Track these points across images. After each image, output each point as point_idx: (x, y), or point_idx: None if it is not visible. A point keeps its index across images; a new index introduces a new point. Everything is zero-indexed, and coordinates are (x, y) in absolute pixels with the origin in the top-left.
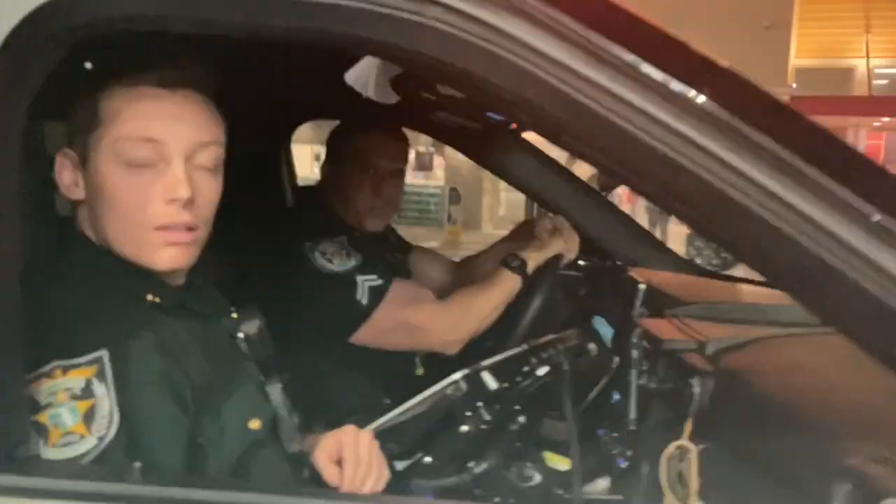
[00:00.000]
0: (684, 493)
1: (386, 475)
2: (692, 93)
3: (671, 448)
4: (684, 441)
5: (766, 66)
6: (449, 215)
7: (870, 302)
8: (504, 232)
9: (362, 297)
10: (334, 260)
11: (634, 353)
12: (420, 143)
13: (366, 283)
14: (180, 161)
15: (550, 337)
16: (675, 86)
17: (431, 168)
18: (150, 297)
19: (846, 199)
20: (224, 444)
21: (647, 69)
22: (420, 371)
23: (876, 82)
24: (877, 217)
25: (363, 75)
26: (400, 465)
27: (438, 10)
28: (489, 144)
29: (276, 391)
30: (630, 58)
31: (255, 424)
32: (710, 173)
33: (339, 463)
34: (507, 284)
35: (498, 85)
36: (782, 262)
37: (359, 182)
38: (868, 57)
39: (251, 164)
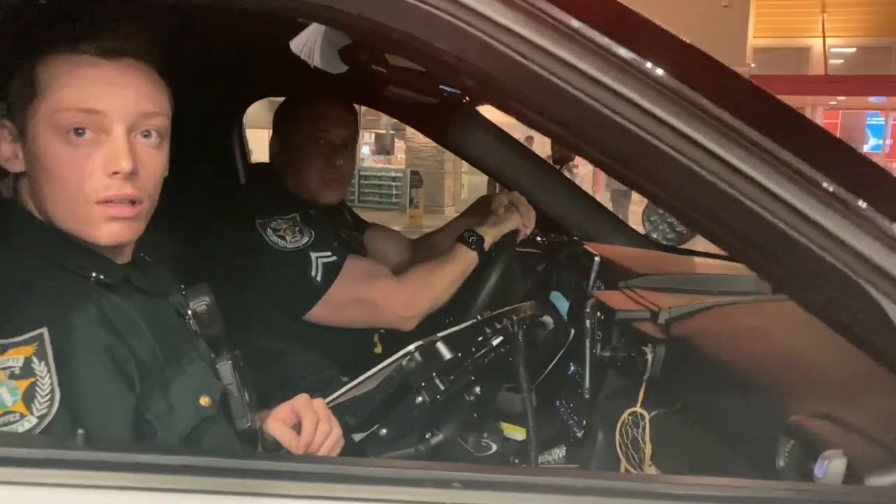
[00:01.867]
0: (639, 458)
1: (341, 441)
2: (646, 63)
3: (625, 415)
4: (637, 408)
5: (724, 44)
6: (411, 199)
7: (819, 266)
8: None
9: (316, 273)
10: (287, 236)
11: (588, 324)
12: (381, 126)
13: (320, 259)
14: (122, 132)
15: (505, 309)
16: (625, 53)
17: (392, 151)
18: (94, 273)
19: (801, 169)
20: (173, 421)
21: (592, 33)
22: (378, 349)
23: (832, 62)
24: (830, 187)
25: (308, 45)
26: (357, 437)
27: None
28: (444, 120)
29: (226, 368)
30: (576, 23)
31: (205, 401)
32: (661, 141)
33: (295, 428)
34: (464, 259)
35: (442, 49)
36: (738, 232)
37: (309, 155)
38: (824, 37)
39: (202, 141)
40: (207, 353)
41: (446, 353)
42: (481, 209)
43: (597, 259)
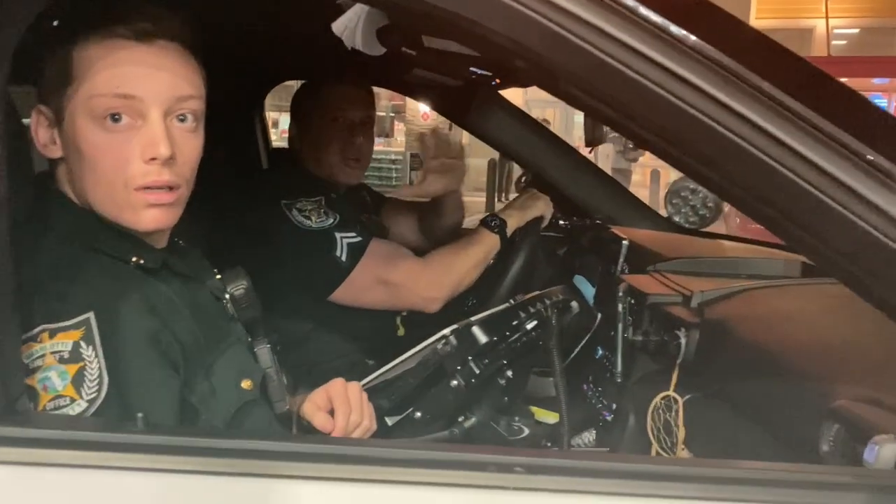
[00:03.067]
0: (671, 443)
1: (374, 425)
2: (688, 35)
3: (658, 399)
4: (671, 392)
5: None
6: (411, 181)
7: (860, 237)
8: (467, 198)
9: (342, 254)
10: (312, 217)
11: (620, 308)
12: (379, 109)
13: (345, 240)
14: (158, 116)
15: (536, 293)
16: (673, 29)
17: (392, 134)
18: (134, 258)
19: (839, 138)
20: (216, 405)
21: (646, 12)
22: (401, 332)
23: (834, 42)
24: (870, 156)
25: (350, 27)
26: (390, 421)
27: None
28: (467, 102)
29: (264, 352)
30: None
31: (246, 384)
32: (705, 115)
33: (330, 413)
34: (487, 243)
35: (492, 30)
36: (777, 204)
37: (328, 135)
38: (827, 17)
39: (226, 126)
40: (244, 336)
41: (482, 337)
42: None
43: (625, 243)
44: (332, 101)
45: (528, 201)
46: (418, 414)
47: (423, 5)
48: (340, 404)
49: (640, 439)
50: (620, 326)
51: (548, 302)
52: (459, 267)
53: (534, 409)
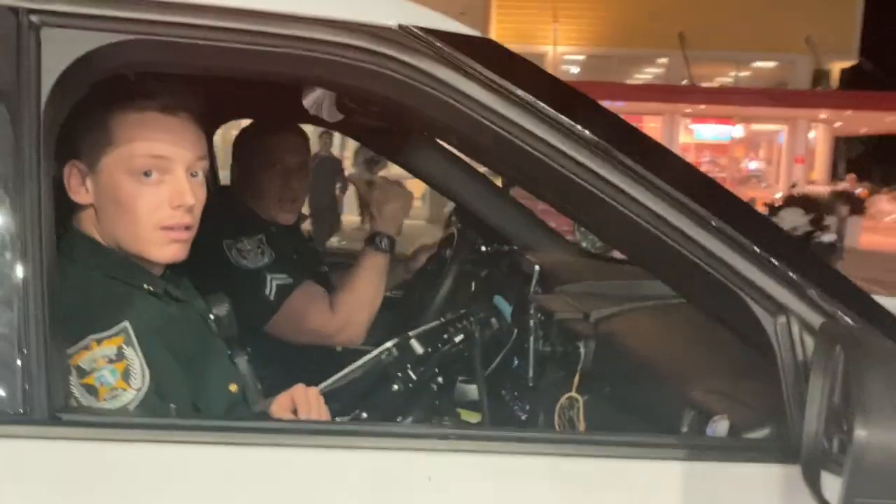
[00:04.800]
0: None
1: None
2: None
3: (563, 399)
4: (573, 393)
5: None
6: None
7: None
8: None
9: (270, 293)
10: (249, 257)
11: (531, 324)
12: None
13: (275, 280)
14: (183, 173)
15: (463, 311)
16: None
17: None
18: (144, 285)
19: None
20: (212, 404)
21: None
22: (340, 348)
23: (568, 68)
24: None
25: (318, 103)
26: (340, 420)
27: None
28: (398, 140)
29: (242, 363)
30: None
31: (233, 388)
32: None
33: (294, 413)
34: (380, 264)
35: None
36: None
37: (267, 179)
38: (555, 45)
39: None
40: (225, 350)
41: (419, 349)
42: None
43: (536, 268)
44: (271, 147)
45: (386, 202)
46: (364, 414)
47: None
48: (302, 405)
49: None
50: (532, 339)
51: (472, 319)
52: (364, 301)
53: (461, 410)
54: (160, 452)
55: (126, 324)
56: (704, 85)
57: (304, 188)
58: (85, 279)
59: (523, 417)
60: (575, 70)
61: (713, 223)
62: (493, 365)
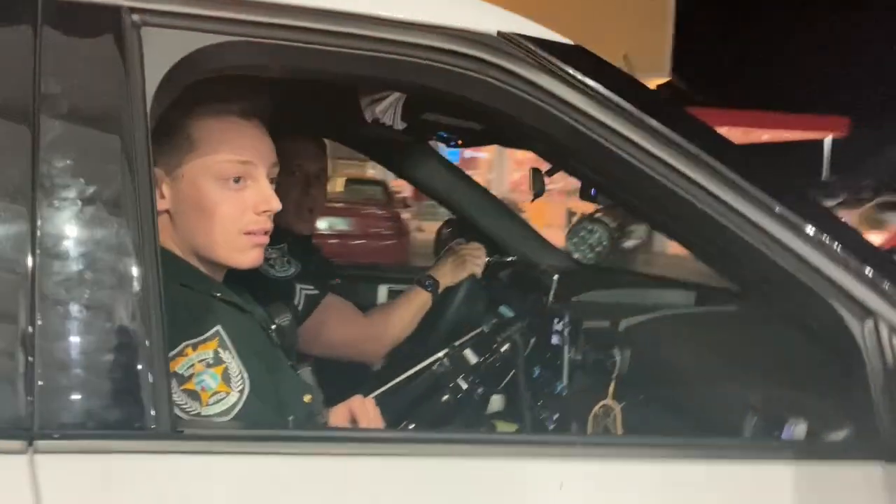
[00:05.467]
0: None
1: None
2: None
3: (597, 408)
4: (609, 401)
5: None
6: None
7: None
8: None
9: (299, 303)
10: (276, 266)
11: (564, 333)
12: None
13: (303, 290)
14: (265, 178)
15: (503, 320)
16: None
17: None
18: (218, 294)
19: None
20: (294, 415)
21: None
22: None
23: None
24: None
25: (391, 111)
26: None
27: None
28: (403, 154)
29: (307, 373)
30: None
31: (308, 398)
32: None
33: (353, 423)
34: (420, 302)
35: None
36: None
37: (285, 187)
38: None
39: None
40: (286, 360)
41: (472, 358)
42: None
43: (556, 277)
44: (290, 154)
45: (459, 262)
46: (412, 426)
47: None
48: (361, 416)
49: None
50: (566, 349)
51: (514, 328)
52: (397, 325)
53: (497, 421)
54: (281, 464)
55: (219, 327)
56: None
57: (322, 197)
58: (175, 290)
59: (551, 428)
60: None
61: (807, 230)
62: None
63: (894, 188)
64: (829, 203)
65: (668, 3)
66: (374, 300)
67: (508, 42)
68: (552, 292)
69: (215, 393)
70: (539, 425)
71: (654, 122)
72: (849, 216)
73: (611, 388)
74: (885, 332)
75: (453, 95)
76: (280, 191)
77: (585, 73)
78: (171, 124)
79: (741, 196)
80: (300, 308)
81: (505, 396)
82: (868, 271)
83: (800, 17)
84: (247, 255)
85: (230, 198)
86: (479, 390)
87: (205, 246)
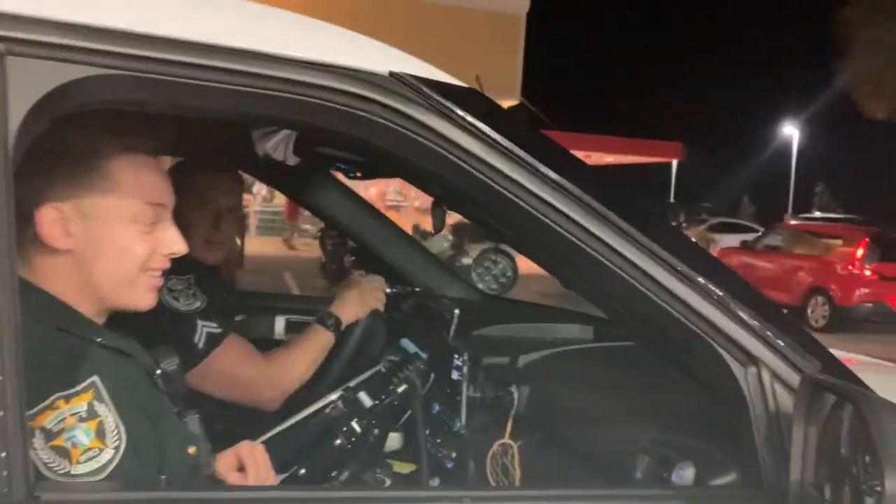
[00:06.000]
0: (509, 482)
1: (276, 481)
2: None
3: (496, 446)
4: (506, 439)
5: None
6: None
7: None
8: None
9: (199, 340)
10: (181, 299)
11: (463, 370)
12: None
13: (205, 328)
14: (171, 219)
15: (400, 359)
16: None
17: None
18: (98, 339)
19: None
20: (171, 469)
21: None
22: None
23: None
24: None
25: (281, 146)
26: (279, 478)
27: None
28: (300, 182)
29: (194, 421)
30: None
31: (192, 451)
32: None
33: (241, 470)
34: (322, 341)
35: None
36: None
37: (197, 219)
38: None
39: None
40: (172, 408)
41: (367, 401)
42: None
43: (456, 311)
44: (204, 188)
45: (360, 297)
46: (302, 471)
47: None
48: (251, 465)
49: (482, 482)
50: (464, 385)
51: (411, 367)
52: (298, 368)
53: (392, 461)
54: None
55: (96, 378)
56: None
57: (234, 231)
58: (35, 333)
59: (449, 466)
60: None
61: (693, 276)
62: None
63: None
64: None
65: (518, 29)
66: (270, 331)
67: (400, 82)
68: (452, 327)
69: (88, 450)
70: (438, 465)
71: (543, 168)
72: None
73: (508, 427)
74: (767, 379)
75: (346, 134)
76: (192, 222)
77: (476, 116)
78: (83, 161)
79: (631, 243)
80: (200, 346)
81: (403, 435)
82: (752, 317)
83: (646, 48)
84: (146, 297)
85: (142, 240)
86: (375, 432)
87: (105, 287)
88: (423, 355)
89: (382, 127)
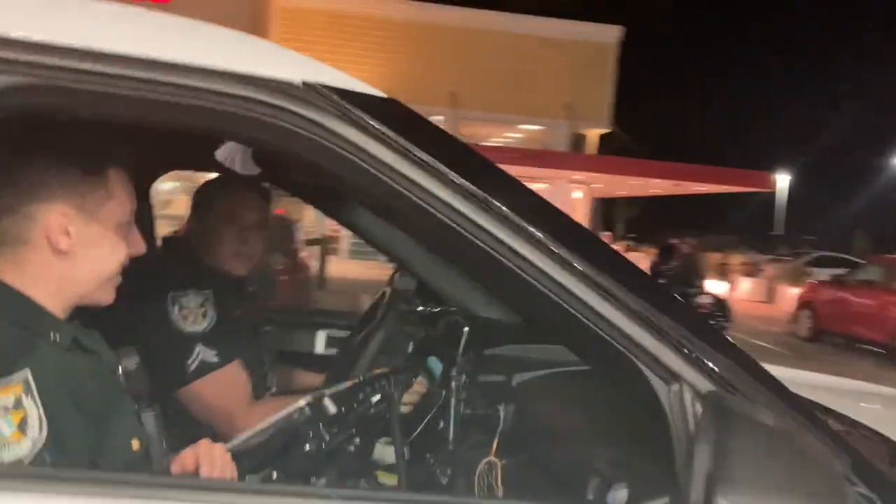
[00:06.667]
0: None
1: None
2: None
3: (482, 464)
4: (492, 457)
5: None
6: None
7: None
8: None
9: (192, 363)
10: (188, 318)
11: (454, 386)
12: None
13: (201, 354)
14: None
15: (383, 370)
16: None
17: None
18: (52, 333)
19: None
20: (111, 460)
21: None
22: None
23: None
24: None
25: (230, 153)
26: (252, 479)
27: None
28: (338, 200)
29: (149, 419)
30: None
31: (136, 445)
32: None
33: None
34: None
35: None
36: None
37: (224, 234)
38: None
39: None
40: (132, 405)
41: (331, 409)
42: None
43: (466, 329)
44: (232, 203)
45: None
46: (275, 474)
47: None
48: (206, 463)
49: (471, 499)
50: (453, 401)
51: (392, 379)
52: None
53: (379, 472)
54: None
55: (27, 372)
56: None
57: (260, 246)
58: None
59: (444, 482)
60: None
61: (615, 292)
62: (420, 427)
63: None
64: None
65: (609, 58)
66: (311, 346)
67: (313, 92)
68: (462, 344)
69: (8, 440)
70: (430, 479)
71: (458, 178)
72: (781, 269)
73: (494, 444)
74: (688, 398)
75: (267, 144)
76: (218, 237)
77: (389, 125)
78: (89, 169)
79: (551, 258)
80: (190, 370)
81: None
82: (674, 334)
83: (739, 76)
84: (109, 295)
85: (122, 241)
86: (357, 441)
87: (88, 285)
88: (438, 374)
89: (296, 136)
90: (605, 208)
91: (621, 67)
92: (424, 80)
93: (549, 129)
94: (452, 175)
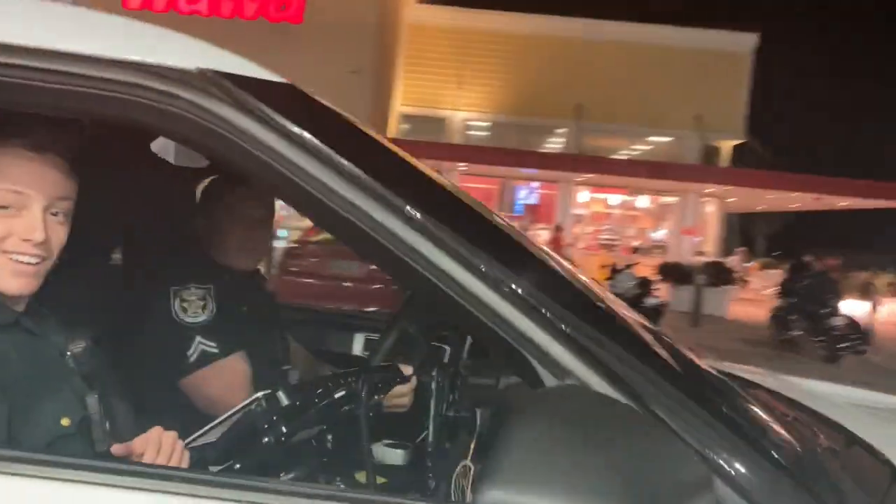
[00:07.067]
0: None
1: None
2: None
3: (459, 467)
4: (467, 461)
5: (349, 107)
6: None
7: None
8: None
9: (192, 354)
10: (189, 310)
11: (434, 387)
12: None
13: (201, 345)
14: (40, 210)
15: (354, 369)
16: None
17: None
18: None
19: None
20: (36, 433)
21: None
22: None
23: (471, 133)
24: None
25: (163, 146)
26: (215, 469)
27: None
28: None
29: (93, 401)
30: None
31: (65, 422)
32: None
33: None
34: None
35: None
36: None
37: (230, 229)
38: (456, 110)
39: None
40: (80, 386)
41: (284, 400)
42: None
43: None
44: (238, 199)
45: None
46: (237, 465)
47: None
48: (150, 450)
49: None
50: (433, 402)
51: (361, 377)
52: None
53: (358, 474)
54: None
55: None
56: (597, 156)
57: (265, 240)
58: None
59: (431, 485)
60: (478, 135)
61: (505, 282)
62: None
63: None
64: None
65: (743, 67)
66: (349, 348)
67: (206, 79)
68: (465, 349)
69: None
70: (417, 483)
71: (351, 167)
72: None
73: (471, 447)
74: None
75: (166, 132)
76: (223, 232)
77: (284, 113)
78: None
79: (446, 252)
80: (191, 360)
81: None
82: (564, 326)
83: (890, 82)
84: (9, 281)
85: (2, 222)
86: (329, 437)
87: None
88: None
89: (190, 122)
90: (744, 223)
91: (757, 74)
92: (550, 93)
93: (678, 141)
94: (345, 163)
